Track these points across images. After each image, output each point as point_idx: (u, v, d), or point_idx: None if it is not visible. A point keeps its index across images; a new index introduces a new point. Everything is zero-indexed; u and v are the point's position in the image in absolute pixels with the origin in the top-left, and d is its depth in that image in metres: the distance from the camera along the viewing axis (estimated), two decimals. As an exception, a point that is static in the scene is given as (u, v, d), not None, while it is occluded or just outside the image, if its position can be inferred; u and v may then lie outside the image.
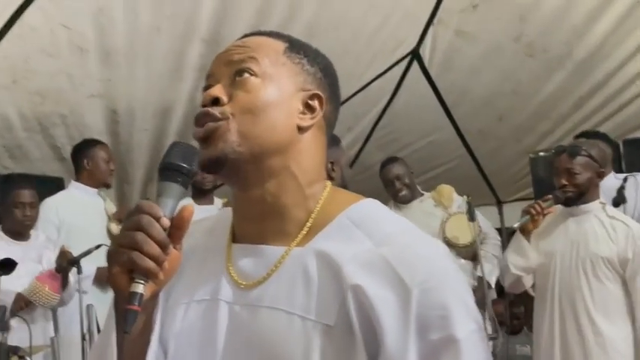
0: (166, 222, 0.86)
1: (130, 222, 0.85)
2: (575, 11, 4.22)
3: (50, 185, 4.01)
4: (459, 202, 4.05)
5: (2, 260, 2.88)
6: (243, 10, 3.74)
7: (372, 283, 0.85)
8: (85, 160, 3.89)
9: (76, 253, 3.25)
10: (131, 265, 0.84)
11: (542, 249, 2.92)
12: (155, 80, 4.08)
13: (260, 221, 0.97)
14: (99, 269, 3.67)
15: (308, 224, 0.95)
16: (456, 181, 4.42)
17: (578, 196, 2.83)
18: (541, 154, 4.51)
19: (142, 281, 0.84)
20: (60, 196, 3.82)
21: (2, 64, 3.60)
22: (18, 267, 2.98)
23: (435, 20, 4.37)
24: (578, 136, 3.56)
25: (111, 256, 0.86)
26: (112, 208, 3.97)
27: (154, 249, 0.84)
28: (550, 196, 2.93)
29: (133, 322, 0.82)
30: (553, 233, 2.91)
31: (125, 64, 3.89)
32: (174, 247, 0.89)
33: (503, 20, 4.33)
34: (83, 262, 3.18)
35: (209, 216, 1.16)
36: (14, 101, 3.89)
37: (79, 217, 3.77)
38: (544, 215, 2.93)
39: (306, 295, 0.89)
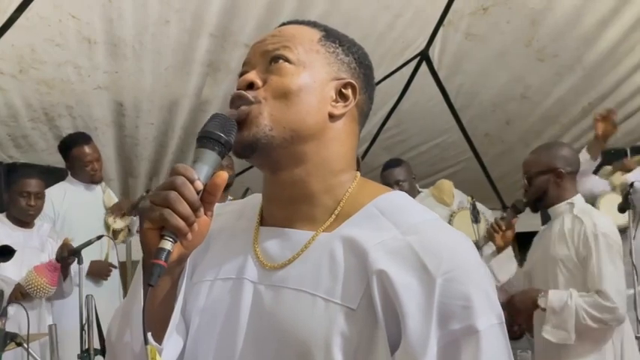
0: (199, 185, 0.88)
1: (164, 182, 0.88)
2: (586, 18, 4.21)
3: (54, 176, 4.00)
4: (459, 197, 3.99)
5: (0, 247, 2.88)
6: (252, 5, 3.73)
7: (397, 270, 0.87)
8: (66, 162, 3.90)
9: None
10: (162, 222, 0.86)
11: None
12: (162, 74, 4.07)
13: (288, 205, 0.99)
14: (92, 262, 3.65)
15: (336, 211, 0.97)
16: (462, 185, 4.40)
17: (536, 200, 2.77)
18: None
19: (171, 239, 0.86)
20: (55, 189, 3.81)
21: (9, 53, 3.60)
22: (19, 254, 2.98)
23: (445, 22, 4.35)
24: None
25: (144, 213, 0.87)
26: (112, 200, 3.94)
27: (185, 208, 0.86)
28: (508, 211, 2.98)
29: (158, 276, 0.84)
30: (534, 243, 2.90)
31: (132, 56, 3.88)
32: (205, 214, 0.90)
33: (514, 24, 4.31)
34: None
35: (238, 200, 1.19)
36: (20, 90, 3.89)
37: (74, 209, 3.77)
38: (505, 230, 2.89)
39: (330, 278, 0.91)
